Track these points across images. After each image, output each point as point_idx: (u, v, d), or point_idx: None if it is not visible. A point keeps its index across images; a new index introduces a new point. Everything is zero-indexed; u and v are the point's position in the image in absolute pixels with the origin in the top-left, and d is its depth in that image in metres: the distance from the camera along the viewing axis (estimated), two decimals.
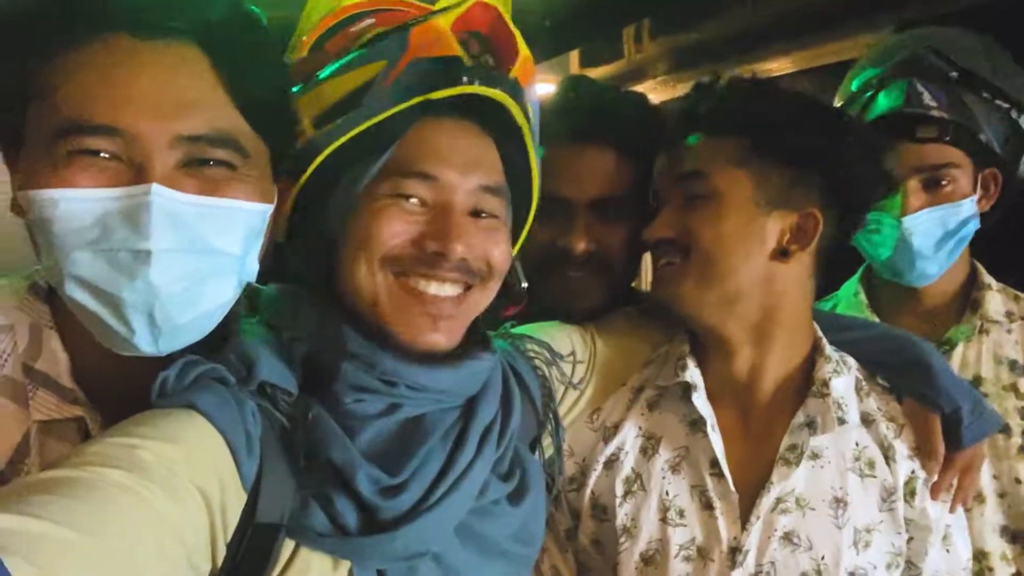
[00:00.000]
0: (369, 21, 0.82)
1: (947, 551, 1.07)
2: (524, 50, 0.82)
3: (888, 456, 1.05)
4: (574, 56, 5.57)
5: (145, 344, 0.73)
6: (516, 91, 0.80)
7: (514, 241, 0.92)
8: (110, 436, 0.67)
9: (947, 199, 1.36)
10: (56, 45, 0.70)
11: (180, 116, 0.71)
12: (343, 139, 0.77)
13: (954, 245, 1.39)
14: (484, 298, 0.86)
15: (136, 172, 0.70)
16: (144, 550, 0.60)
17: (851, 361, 1.12)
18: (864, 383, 1.11)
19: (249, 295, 0.86)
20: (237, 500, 0.71)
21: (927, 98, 1.34)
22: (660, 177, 1.14)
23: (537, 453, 0.98)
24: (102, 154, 0.70)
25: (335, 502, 0.74)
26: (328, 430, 0.76)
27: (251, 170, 0.77)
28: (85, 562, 0.55)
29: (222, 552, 0.69)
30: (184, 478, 0.65)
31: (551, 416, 1.00)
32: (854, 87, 1.44)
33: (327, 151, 0.78)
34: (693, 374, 1.08)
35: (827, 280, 1.26)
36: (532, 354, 1.02)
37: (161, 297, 0.71)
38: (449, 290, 0.81)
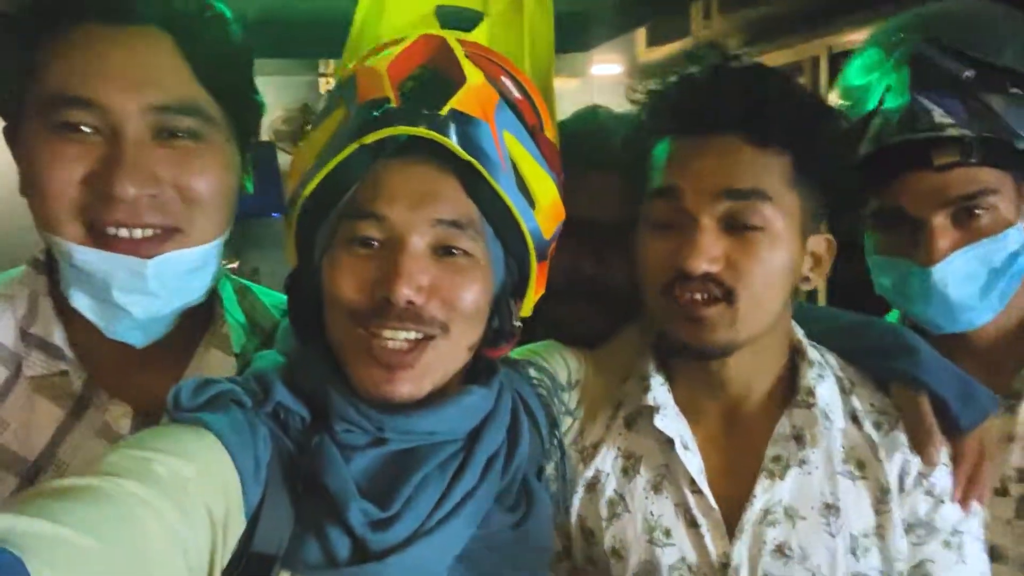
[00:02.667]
0: None
1: (963, 563, 0.97)
2: (473, 78, 0.78)
3: (876, 455, 0.98)
4: (640, 36, 5.42)
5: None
6: (451, 124, 0.76)
7: (524, 282, 0.87)
8: (126, 447, 0.68)
9: (986, 232, 1.09)
10: (45, 33, 0.84)
11: (148, 88, 0.83)
12: (312, 184, 0.79)
13: (1006, 284, 1.12)
14: (450, 345, 0.81)
15: (111, 140, 0.82)
16: (158, 564, 0.61)
17: (832, 359, 1.05)
18: (846, 382, 1.04)
19: (271, 327, 1.00)
20: (238, 525, 0.71)
21: (938, 115, 1.06)
22: (686, 180, 0.94)
23: (543, 480, 0.96)
24: (83, 128, 0.82)
25: (328, 533, 0.74)
26: (328, 457, 0.76)
27: (216, 136, 0.89)
28: (104, 571, 0.56)
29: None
30: (195, 497, 0.66)
31: (556, 444, 0.98)
32: (853, 87, 1.19)
33: (301, 198, 0.81)
34: (657, 394, 1.02)
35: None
36: (535, 381, 0.99)
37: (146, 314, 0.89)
38: (400, 343, 0.78)
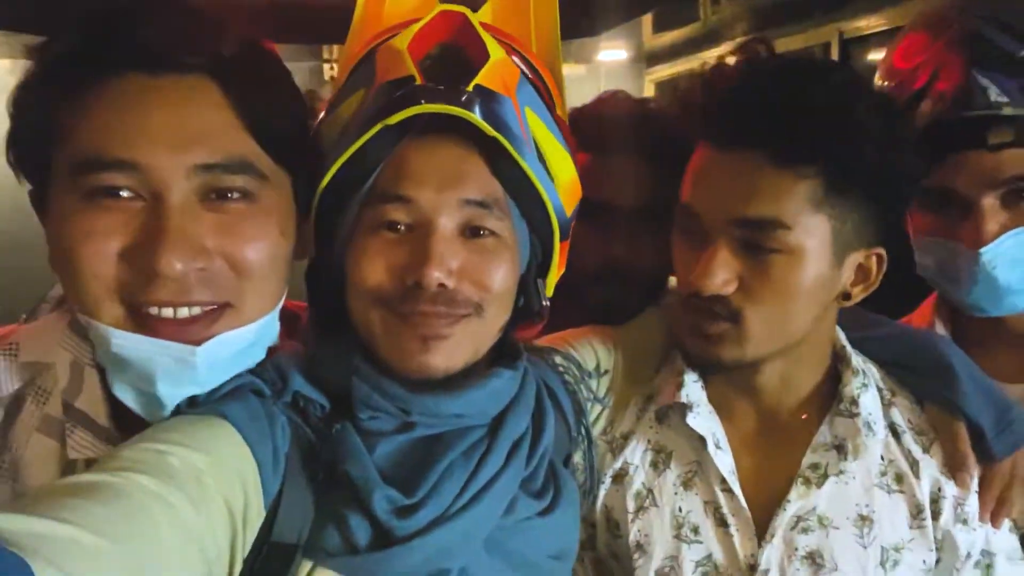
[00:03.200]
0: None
1: None
2: (496, 53, 0.77)
3: (914, 471, 0.98)
4: (647, 21, 5.39)
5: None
6: (477, 101, 0.75)
7: (547, 259, 0.88)
8: (141, 441, 0.67)
9: None
10: (75, 87, 0.73)
11: (195, 146, 0.73)
12: (333, 170, 0.78)
13: None
14: (484, 324, 0.80)
15: (152, 207, 0.72)
16: (170, 560, 0.60)
17: (872, 369, 1.03)
18: (887, 393, 1.02)
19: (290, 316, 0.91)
20: (258, 515, 0.71)
21: (994, 93, 1.04)
22: (702, 202, 0.92)
23: (570, 468, 0.96)
24: (121, 192, 0.72)
25: (349, 520, 0.73)
26: (350, 445, 0.76)
27: (270, 195, 0.78)
28: (112, 570, 0.55)
29: (239, 566, 0.68)
30: (211, 488, 0.65)
31: (583, 432, 0.98)
32: (897, 70, 1.16)
33: (323, 183, 0.79)
34: (690, 392, 0.99)
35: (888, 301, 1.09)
36: (561, 368, 0.99)
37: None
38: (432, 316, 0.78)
